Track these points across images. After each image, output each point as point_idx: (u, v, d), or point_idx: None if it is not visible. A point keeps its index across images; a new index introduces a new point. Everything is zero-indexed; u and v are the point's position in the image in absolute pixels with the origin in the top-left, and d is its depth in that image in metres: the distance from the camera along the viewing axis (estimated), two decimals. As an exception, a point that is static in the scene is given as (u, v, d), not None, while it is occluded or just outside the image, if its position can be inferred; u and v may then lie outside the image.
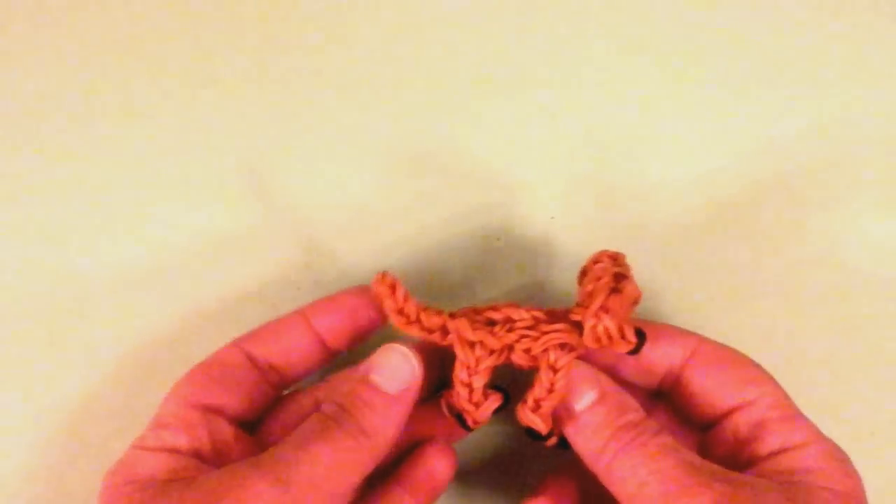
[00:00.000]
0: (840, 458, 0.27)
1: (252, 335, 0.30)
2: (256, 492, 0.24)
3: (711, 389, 0.29)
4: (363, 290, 0.30)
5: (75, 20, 0.36)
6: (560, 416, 0.28)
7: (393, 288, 0.29)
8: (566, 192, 0.36)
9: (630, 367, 0.30)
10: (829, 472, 0.26)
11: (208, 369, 0.29)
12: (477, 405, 0.29)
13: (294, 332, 0.30)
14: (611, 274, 0.28)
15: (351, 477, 0.26)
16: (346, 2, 0.37)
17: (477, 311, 0.29)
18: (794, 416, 0.28)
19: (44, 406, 0.35)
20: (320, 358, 0.30)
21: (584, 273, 0.30)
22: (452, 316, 0.29)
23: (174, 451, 0.27)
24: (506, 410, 0.30)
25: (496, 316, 0.29)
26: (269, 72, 0.36)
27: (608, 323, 0.27)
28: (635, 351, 0.28)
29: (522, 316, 0.28)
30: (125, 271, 0.35)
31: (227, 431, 0.28)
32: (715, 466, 0.26)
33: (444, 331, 0.29)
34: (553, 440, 0.29)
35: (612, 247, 0.35)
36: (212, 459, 0.27)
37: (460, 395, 0.29)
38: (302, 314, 0.30)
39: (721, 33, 0.36)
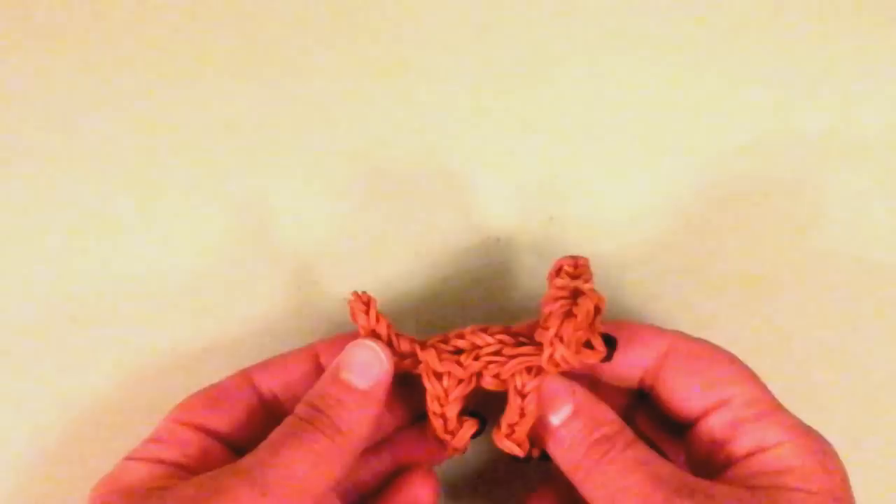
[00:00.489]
0: (819, 453, 0.26)
1: (259, 365, 0.30)
2: (235, 496, 0.24)
3: (686, 390, 0.28)
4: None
5: (70, 22, 0.36)
6: (539, 430, 0.29)
7: (367, 306, 0.29)
8: (566, 192, 0.36)
9: (607, 371, 0.30)
10: (804, 470, 0.26)
11: (209, 392, 0.29)
12: (453, 433, 0.29)
13: (301, 367, 0.30)
14: (568, 291, 0.27)
15: (329, 476, 0.27)
16: (329, 21, 0.37)
17: (445, 340, 0.29)
18: (769, 412, 0.27)
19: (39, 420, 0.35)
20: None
21: (546, 290, 0.29)
22: (422, 346, 0.29)
23: (160, 462, 0.27)
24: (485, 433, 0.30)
25: (462, 344, 0.29)
26: (256, 95, 0.36)
27: (563, 352, 0.27)
28: (607, 359, 0.28)
29: (488, 341, 0.29)
30: (116, 286, 0.36)
31: (218, 451, 0.28)
32: (686, 478, 0.26)
33: (415, 359, 0.29)
34: (536, 452, 0.29)
35: (612, 246, 0.34)
36: (200, 470, 0.27)
37: (435, 426, 0.29)
38: (312, 351, 0.30)
39: (717, 26, 0.36)
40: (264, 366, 0.30)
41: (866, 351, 0.35)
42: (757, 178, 0.36)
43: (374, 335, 0.29)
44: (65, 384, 0.35)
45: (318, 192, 0.36)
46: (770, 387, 0.29)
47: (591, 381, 0.30)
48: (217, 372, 0.31)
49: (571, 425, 0.28)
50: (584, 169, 0.36)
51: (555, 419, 0.28)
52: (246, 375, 0.30)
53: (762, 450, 0.26)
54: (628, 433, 0.27)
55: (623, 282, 0.36)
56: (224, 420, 0.29)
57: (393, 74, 0.37)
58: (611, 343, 0.28)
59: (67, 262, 0.36)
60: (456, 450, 0.30)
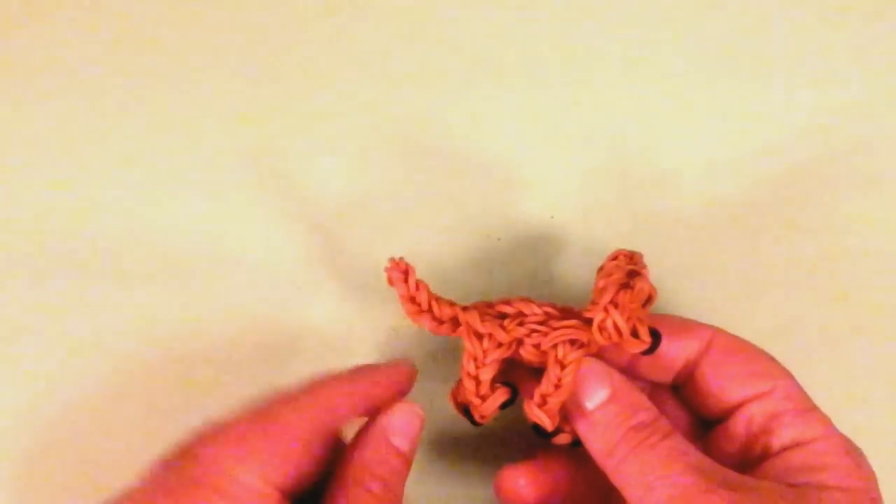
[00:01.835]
0: (854, 454, 0.27)
1: (319, 398, 0.27)
2: None
3: (726, 380, 0.28)
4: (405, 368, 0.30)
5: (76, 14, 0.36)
6: (572, 414, 0.28)
7: (406, 274, 0.29)
8: (566, 191, 0.36)
9: (646, 364, 0.30)
10: (842, 468, 0.26)
11: (287, 444, 0.26)
12: (483, 398, 0.29)
13: (366, 392, 0.28)
14: (624, 271, 0.28)
15: None
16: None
17: (489, 305, 0.29)
18: (808, 409, 0.27)
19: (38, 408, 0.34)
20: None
21: (599, 270, 0.29)
22: (464, 309, 0.29)
23: None
24: (514, 408, 0.29)
25: (508, 310, 0.29)
26: (268, 74, 0.37)
27: (616, 318, 0.27)
28: (650, 351, 0.27)
29: (534, 311, 0.28)
30: (119, 262, 0.35)
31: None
32: (724, 471, 0.26)
33: (455, 323, 0.29)
34: (566, 438, 0.29)
35: (614, 245, 0.35)
36: None
37: (467, 387, 0.29)
38: (352, 388, 0.28)
39: (729, 23, 0.36)
40: (323, 398, 0.27)
41: (882, 347, 0.36)
42: (762, 175, 0.36)
43: (414, 303, 0.29)
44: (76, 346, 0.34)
45: (317, 197, 0.36)
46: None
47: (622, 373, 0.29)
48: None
49: (607, 409, 0.27)
50: (585, 168, 0.36)
51: (590, 403, 0.27)
52: (317, 417, 0.27)
53: (801, 444, 0.27)
54: (666, 423, 0.27)
55: None
56: (301, 477, 0.26)
57: (399, 77, 0.37)
58: (656, 336, 0.27)
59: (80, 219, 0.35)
60: (483, 416, 0.29)
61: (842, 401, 0.30)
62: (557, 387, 0.28)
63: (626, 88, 0.37)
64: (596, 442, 0.27)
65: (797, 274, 0.36)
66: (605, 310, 0.27)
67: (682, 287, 0.36)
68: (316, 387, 0.28)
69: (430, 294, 0.29)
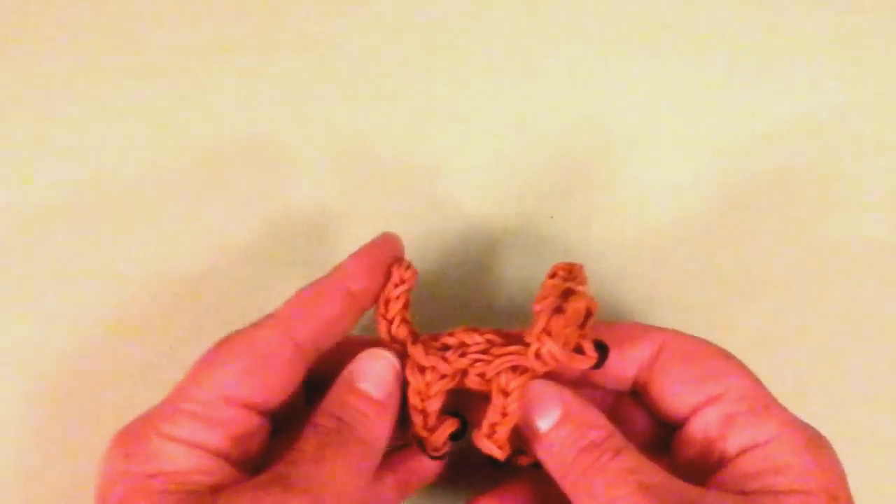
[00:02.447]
0: (814, 449, 0.26)
1: (295, 315, 0.28)
2: None
3: (678, 386, 0.28)
4: (390, 241, 0.30)
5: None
6: (527, 437, 0.28)
7: (400, 281, 0.29)
8: (566, 192, 0.36)
9: (600, 375, 0.29)
10: (797, 468, 0.25)
11: (252, 361, 0.27)
12: (432, 431, 0.29)
13: (335, 305, 0.28)
14: (559, 291, 0.27)
15: (362, 487, 0.27)
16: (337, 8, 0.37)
17: (434, 337, 0.29)
18: (762, 406, 0.27)
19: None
20: (353, 324, 0.29)
21: (540, 289, 0.29)
22: (414, 340, 0.29)
23: (203, 448, 0.26)
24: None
25: (450, 341, 0.28)
26: (268, 69, 0.37)
27: (551, 346, 0.26)
28: (598, 365, 0.27)
29: (476, 340, 0.28)
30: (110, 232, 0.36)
31: (258, 430, 0.27)
32: (676, 486, 0.25)
33: (404, 351, 0.29)
34: (527, 459, 0.29)
35: (612, 246, 0.35)
36: (238, 460, 0.27)
37: (415, 420, 0.29)
38: (341, 281, 0.28)
39: (717, 28, 0.37)
40: (302, 314, 0.28)
41: (869, 349, 0.35)
42: (760, 177, 0.36)
43: (386, 306, 0.29)
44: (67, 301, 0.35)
45: (316, 196, 0.36)
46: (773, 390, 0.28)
47: (577, 384, 0.29)
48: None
49: (559, 430, 0.27)
50: (584, 168, 0.36)
51: (543, 424, 0.27)
52: (285, 331, 0.27)
53: (755, 446, 0.26)
54: (618, 439, 0.27)
55: (624, 282, 0.36)
56: (271, 392, 0.27)
57: (392, 73, 0.37)
58: (602, 349, 0.27)
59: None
60: (435, 450, 0.29)
61: (832, 403, 0.31)
62: (504, 415, 0.28)
63: (622, 91, 0.37)
64: (551, 464, 0.27)
65: (789, 279, 0.36)
66: (539, 338, 0.26)
67: (678, 288, 0.36)
68: (280, 308, 0.28)
69: (402, 311, 0.29)
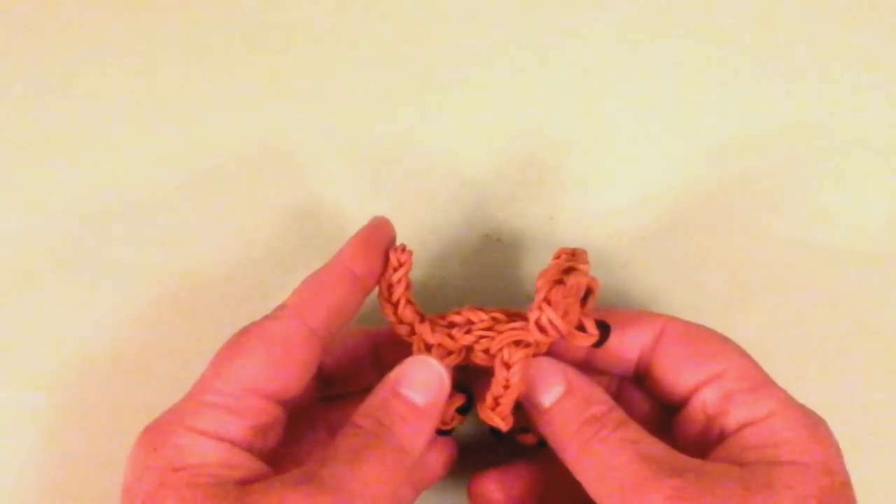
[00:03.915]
0: (810, 426, 0.26)
1: (307, 304, 0.28)
2: None
3: (679, 367, 0.29)
4: (383, 224, 0.30)
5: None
6: (532, 413, 0.29)
7: (399, 264, 0.29)
8: (566, 192, 0.36)
9: (603, 357, 0.30)
10: (796, 443, 0.26)
11: (273, 352, 0.27)
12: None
13: (342, 290, 0.28)
14: (560, 269, 0.28)
15: (395, 494, 0.27)
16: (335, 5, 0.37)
17: (441, 316, 0.30)
18: (761, 385, 0.27)
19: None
20: (359, 306, 0.29)
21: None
22: (422, 319, 0.30)
23: (229, 441, 0.26)
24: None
25: (457, 319, 0.29)
26: (266, 64, 0.37)
27: (550, 314, 0.27)
28: (600, 343, 0.28)
29: (481, 318, 0.29)
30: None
31: (278, 421, 0.28)
32: (675, 457, 0.26)
33: (412, 330, 0.29)
34: (531, 438, 0.29)
35: (612, 244, 0.35)
36: (260, 452, 0.27)
37: None
38: (344, 265, 0.29)
39: (714, 27, 0.37)
40: (315, 302, 0.28)
41: (860, 337, 0.36)
42: (759, 175, 0.36)
43: (389, 289, 0.29)
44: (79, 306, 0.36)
45: (316, 194, 0.36)
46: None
47: (580, 369, 0.30)
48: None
49: (562, 405, 0.28)
50: (583, 168, 0.36)
51: (546, 399, 0.28)
52: (299, 320, 0.27)
53: (754, 422, 0.26)
54: (619, 413, 0.27)
55: (623, 282, 0.36)
56: (291, 382, 0.27)
57: (393, 73, 0.37)
58: (604, 328, 0.28)
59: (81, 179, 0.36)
60: (444, 423, 0.29)
61: (833, 400, 0.30)
62: (506, 387, 0.28)
63: (618, 91, 0.37)
64: (554, 438, 0.28)
65: (791, 274, 0.36)
66: (540, 307, 0.27)
67: (679, 286, 0.36)
68: (291, 297, 0.28)
69: (405, 293, 0.30)
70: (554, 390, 0.28)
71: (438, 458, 0.31)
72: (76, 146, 0.37)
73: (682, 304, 0.36)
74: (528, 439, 0.30)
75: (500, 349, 0.28)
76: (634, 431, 0.27)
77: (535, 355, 0.29)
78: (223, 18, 0.38)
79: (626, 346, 0.30)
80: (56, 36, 0.38)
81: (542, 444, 0.29)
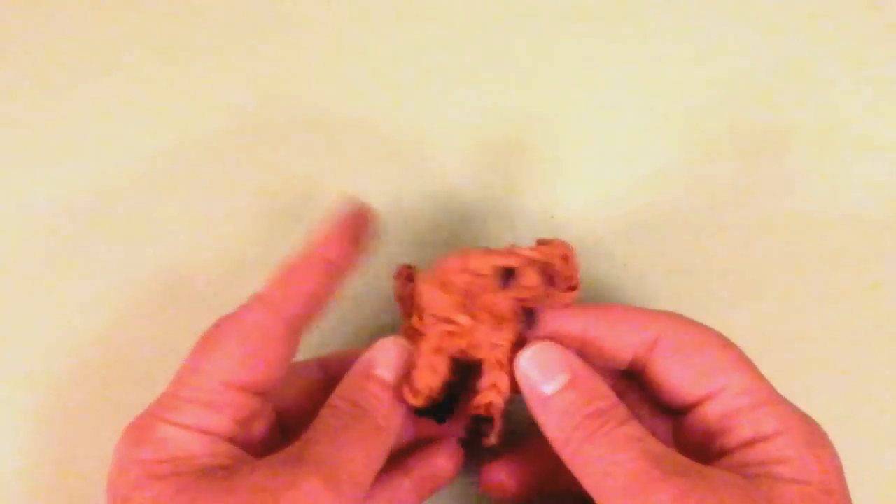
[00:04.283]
0: (814, 445, 0.26)
1: (280, 294, 0.28)
2: (314, 491, 0.24)
3: (677, 379, 0.28)
4: (358, 206, 0.30)
5: None
6: (529, 399, 0.28)
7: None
8: (566, 192, 0.36)
9: (595, 352, 0.29)
10: (799, 461, 0.25)
11: (248, 344, 0.27)
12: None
13: (315, 278, 0.28)
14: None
15: (377, 468, 0.27)
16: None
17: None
18: (764, 402, 0.27)
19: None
20: (334, 292, 0.29)
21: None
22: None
23: (210, 433, 0.26)
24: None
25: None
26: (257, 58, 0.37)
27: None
28: (527, 326, 0.28)
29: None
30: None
31: (260, 412, 0.28)
32: (679, 458, 0.25)
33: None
34: (494, 440, 0.28)
35: (611, 243, 0.35)
36: (244, 443, 0.27)
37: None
38: (321, 256, 0.29)
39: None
40: (289, 292, 0.28)
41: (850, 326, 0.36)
42: (758, 173, 0.37)
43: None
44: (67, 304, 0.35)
45: (317, 198, 0.37)
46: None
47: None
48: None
49: (565, 396, 0.27)
50: (583, 168, 0.37)
51: (548, 388, 0.27)
52: (273, 310, 0.28)
53: (756, 440, 0.26)
54: (623, 410, 0.27)
55: (623, 281, 0.36)
56: (267, 372, 0.27)
57: (390, 65, 0.37)
58: (529, 315, 0.28)
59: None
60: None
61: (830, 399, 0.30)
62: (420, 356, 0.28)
63: (616, 89, 0.37)
64: (552, 429, 0.27)
65: (795, 276, 0.36)
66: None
67: (678, 283, 0.36)
68: (265, 287, 0.28)
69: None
70: (557, 379, 0.27)
71: (446, 464, 0.31)
72: (57, 143, 0.37)
73: (683, 303, 0.36)
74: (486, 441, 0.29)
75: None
76: (639, 429, 0.26)
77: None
78: (206, 16, 0.38)
79: (617, 345, 0.28)
80: (35, 34, 0.38)
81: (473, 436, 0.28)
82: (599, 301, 0.35)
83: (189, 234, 0.36)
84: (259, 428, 0.28)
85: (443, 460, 0.31)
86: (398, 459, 0.31)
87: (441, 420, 0.29)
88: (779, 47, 0.37)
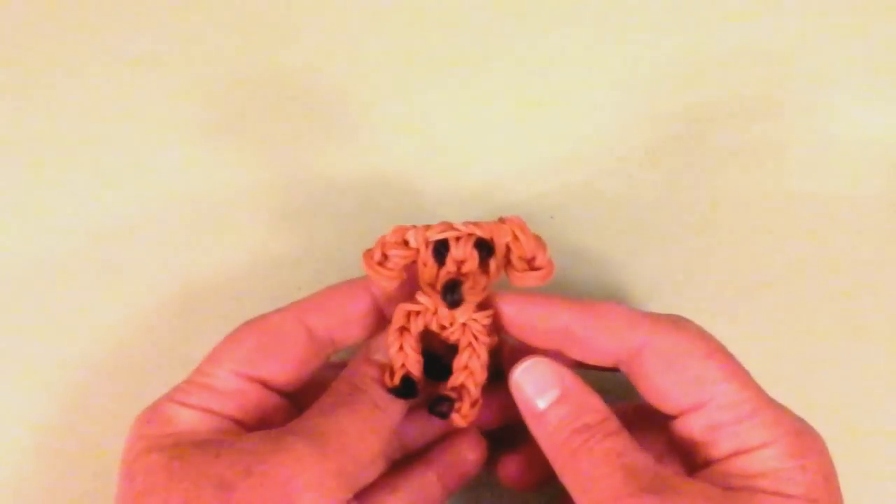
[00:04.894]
0: (800, 456, 0.26)
1: (314, 304, 0.29)
2: (297, 455, 0.25)
3: (663, 388, 0.27)
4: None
5: None
6: (525, 414, 0.28)
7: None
8: (566, 192, 0.37)
9: (577, 350, 0.29)
10: (782, 472, 0.25)
11: (264, 340, 0.28)
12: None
13: (359, 305, 0.29)
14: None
15: (373, 445, 0.27)
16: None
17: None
18: (750, 413, 0.26)
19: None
20: (375, 326, 0.30)
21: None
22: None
23: (216, 413, 0.27)
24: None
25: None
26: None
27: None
28: (452, 304, 0.28)
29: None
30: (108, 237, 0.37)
31: (273, 405, 0.28)
32: (659, 473, 0.26)
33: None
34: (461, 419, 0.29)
35: (612, 243, 0.35)
36: (255, 429, 0.28)
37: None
38: (363, 283, 0.29)
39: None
40: (319, 305, 0.29)
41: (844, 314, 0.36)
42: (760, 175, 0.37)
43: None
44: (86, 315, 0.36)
45: (317, 200, 0.37)
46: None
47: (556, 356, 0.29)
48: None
49: (557, 410, 0.27)
50: (583, 168, 0.37)
51: (541, 402, 0.28)
52: (299, 317, 0.29)
53: (741, 453, 0.26)
54: (611, 423, 0.27)
55: (624, 279, 0.36)
56: (280, 370, 0.28)
57: (391, 78, 0.38)
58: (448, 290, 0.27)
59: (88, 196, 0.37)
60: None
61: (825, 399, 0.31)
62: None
63: (617, 89, 0.37)
64: (544, 443, 0.28)
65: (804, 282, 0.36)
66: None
67: (677, 283, 0.36)
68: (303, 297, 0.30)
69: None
70: (549, 394, 0.28)
71: (470, 455, 0.31)
72: (73, 151, 0.37)
73: (683, 301, 0.36)
74: (457, 419, 0.29)
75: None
76: (622, 443, 0.27)
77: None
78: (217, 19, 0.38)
79: (601, 348, 0.28)
80: (52, 39, 0.38)
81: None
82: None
83: (210, 247, 0.37)
84: (271, 420, 0.28)
85: (465, 451, 0.31)
86: (422, 454, 0.31)
87: (411, 396, 0.29)
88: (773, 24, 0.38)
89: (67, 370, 0.35)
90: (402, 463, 0.31)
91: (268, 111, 0.37)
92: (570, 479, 0.27)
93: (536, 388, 0.28)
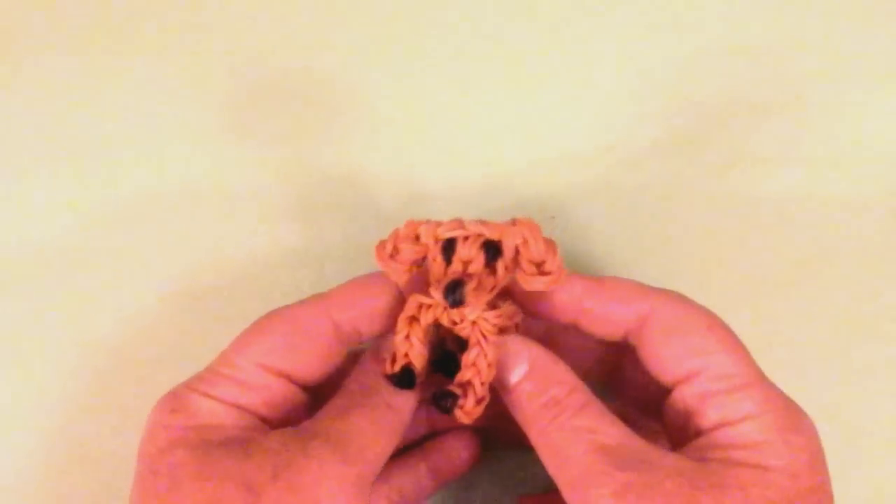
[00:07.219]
0: (785, 430, 0.25)
1: (338, 298, 0.29)
2: (322, 461, 0.25)
3: (661, 359, 0.28)
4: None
5: None
6: (501, 392, 0.28)
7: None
8: (566, 192, 0.37)
9: (588, 325, 0.29)
10: (764, 445, 0.25)
11: (290, 333, 0.28)
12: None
13: (381, 297, 0.29)
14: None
15: (387, 446, 0.27)
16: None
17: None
18: (741, 385, 0.26)
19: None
20: (391, 322, 0.30)
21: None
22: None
23: (241, 408, 0.27)
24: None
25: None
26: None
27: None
28: (453, 303, 0.27)
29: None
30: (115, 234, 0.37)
31: (299, 399, 0.28)
32: (632, 448, 0.26)
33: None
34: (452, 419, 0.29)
35: (613, 243, 0.35)
36: (279, 426, 0.27)
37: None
38: (389, 280, 0.29)
39: None
40: (345, 298, 0.29)
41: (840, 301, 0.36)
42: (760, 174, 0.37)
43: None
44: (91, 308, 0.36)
45: (317, 201, 0.37)
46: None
47: (568, 331, 0.29)
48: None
49: (525, 385, 0.27)
50: (582, 169, 0.37)
51: (513, 377, 0.28)
52: (325, 310, 0.28)
53: (726, 424, 0.26)
54: (580, 396, 0.27)
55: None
56: (306, 365, 0.28)
57: (392, 75, 0.37)
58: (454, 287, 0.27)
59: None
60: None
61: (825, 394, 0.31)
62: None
63: (628, 85, 0.37)
64: (517, 417, 0.28)
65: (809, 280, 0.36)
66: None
67: (682, 284, 0.35)
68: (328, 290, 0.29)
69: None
70: (519, 369, 0.28)
71: (461, 451, 0.32)
72: (76, 148, 0.37)
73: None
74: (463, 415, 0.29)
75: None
76: (593, 418, 0.26)
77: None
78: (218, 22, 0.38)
79: (607, 320, 0.28)
80: (58, 33, 0.38)
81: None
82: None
83: (214, 242, 0.37)
84: (296, 415, 0.28)
85: (457, 446, 0.31)
86: (416, 445, 0.32)
87: (408, 386, 0.29)
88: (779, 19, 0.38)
89: (70, 364, 0.35)
90: (396, 453, 0.31)
91: (270, 109, 0.37)
92: (544, 456, 0.27)
93: (507, 364, 0.28)
